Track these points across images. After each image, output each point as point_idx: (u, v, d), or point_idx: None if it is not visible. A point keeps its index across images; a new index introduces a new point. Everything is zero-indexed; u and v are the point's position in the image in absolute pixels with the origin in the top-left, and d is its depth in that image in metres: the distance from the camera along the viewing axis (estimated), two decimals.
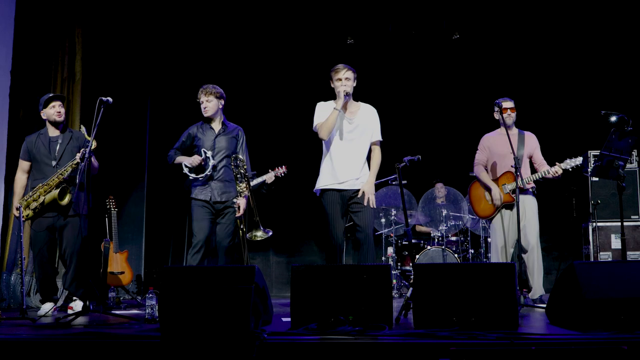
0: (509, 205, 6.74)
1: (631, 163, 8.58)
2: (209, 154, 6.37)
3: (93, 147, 5.96)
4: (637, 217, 8.53)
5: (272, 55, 10.06)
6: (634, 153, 8.59)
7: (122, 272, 7.93)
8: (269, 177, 7.66)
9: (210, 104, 6.46)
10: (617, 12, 9.37)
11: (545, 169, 6.63)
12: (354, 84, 5.97)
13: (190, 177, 6.37)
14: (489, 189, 6.87)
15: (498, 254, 6.76)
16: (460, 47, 10.03)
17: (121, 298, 7.99)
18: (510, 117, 6.77)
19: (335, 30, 9.86)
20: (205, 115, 6.48)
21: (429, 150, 9.23)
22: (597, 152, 7.66)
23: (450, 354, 3.76)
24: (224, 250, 6.42)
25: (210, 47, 9.85)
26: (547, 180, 6.73)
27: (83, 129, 6.22)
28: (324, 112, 5.94)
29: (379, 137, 6.07)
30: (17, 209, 6.36)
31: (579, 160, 6.47)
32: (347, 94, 5.82)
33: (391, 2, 9.41)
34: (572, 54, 9.83)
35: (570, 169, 6.50)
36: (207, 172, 6.34)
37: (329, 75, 5.99)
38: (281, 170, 7.74)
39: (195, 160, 6.33)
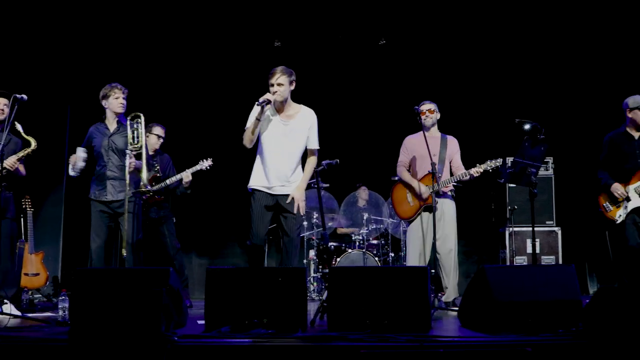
0: (427, 207, 6.84)
1: (547, 170, 8.81)
2: (81, 151, 6.39)
3: (33, 147, 5.92)
4: (552, 222, 8.76)
5: (198, 55, 9.97)
6: (550, 160, 8.82)
7: (37, 274, 7.76)
8: (185, 175, 7.39)
9: (125, 101, 6.50)
10: (533, 24, 9.61)
11: (463, 172, 6.73)
12: (291, 87, 5.82)
13: (71, 175, 6.39)
14: (411, 188, 6.94)
15: (415, 256, 6.83)
16: (385, 53, 10.13)
17: (36, 300, 7.81)
18: (428, 118, 6.86)
19: (262, 32, 9.84)
20: (120, 110, 6.49)
21: (352, 154, 9.32)
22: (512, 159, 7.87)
23: (360, 356, 3.80)
24: (131, 249, 6.31)
25: (134, 49, 9.69)
26: (465, 183, 6.85)
27: (19, 126, 6.12)
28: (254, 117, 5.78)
29: (315, 146, 5.93)
30: None
31: (499, 161, 6.59)
32: (264, 103, 5.64)
33: (319, 6, 9.43)
34: (491, 62, 10.03)
35: (490, 170, 6.62)
36: (78, 168, 6.35)
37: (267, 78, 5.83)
38: (206, 164, 7.47)
39: (71, 159, 6.37)
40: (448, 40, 9.96)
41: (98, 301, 4.08)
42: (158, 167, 7.49)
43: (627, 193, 6.47)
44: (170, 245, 7.54)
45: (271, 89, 5.74)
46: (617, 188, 6.48)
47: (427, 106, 6.92)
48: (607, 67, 9.58)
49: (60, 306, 5.27)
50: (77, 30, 9.27)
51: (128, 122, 6.37)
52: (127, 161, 6.25)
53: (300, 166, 5.96)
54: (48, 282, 8.18)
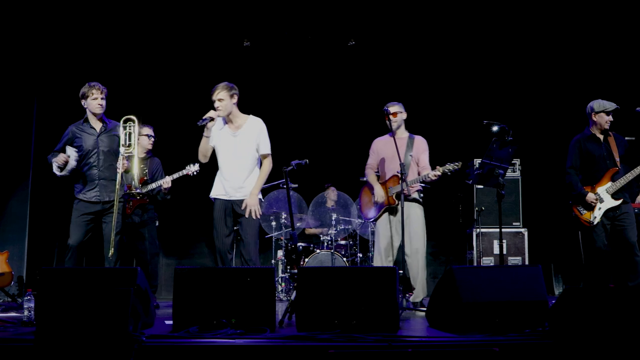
0: (393, 208, 6.87)
1: (514, 172, 8.89)
2: (72, 150, 6.34)
3: None
4: (518, 223, 8.85)
5: (167, 54, 9.91)
6: (517, 162, 8.90)
7: (2, 274, 7.65)
8: (165, 181, 7.26)
9: (104, 101, 6.48)
10: (500, 27, 9.69)
11: (426, 173, 6.76)
12: (233, 100, 6.14)
13: (58, 175, 6.35)
14: (373, 190, 7.01)
15: (381, 257, 6.88)
16: (355, 54, 10.15)
17: (0, 300, 7.70)
18: (393, 122, 6.88)
19: (231, 31, 9.81)
20: (98, 111, 6.47)
21: (321, 155, 9.32)
22: (480, 160, 7.93)
23: (329, 356, 3.80)
24: (113, 245, 6.32)
25: (104, 46, 9.59)
26: (433, 184, 6.88)
27: None
28: (212, 133, 6.21)
29: (265, 151, 6.20)
30: None
31: (457, 164, 6.62)
32: (206, 121, 6.03)
33: (289, 6, 9.43)
34: (460, 64, 10.10)
35: (448, 172, 6.63)
36: (70, 169, 6.32)
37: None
38: (193, 169, 7.28)
39: (60, 159, 6.31)
40: (417, 41, 10.00)
41: (64, 301, 4.03)
42: (146, 170, 7.43)
43: (599, 196, 6.56)
44: (149, 250, 7.45)
45: (214, 105, 6.11)
46: (591, 198, 6.58)
47: (392, 108, 6.93)
48: (571, 70, 9.70)
49: (25, 306, 5.20)
50: (47, 17, 9.10)
51: (121, 125, 6.39)
52: (120, 163, 6.30)
53: (255, 171, 6.23)
54: (13, 282, 8.07)
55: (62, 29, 9.27)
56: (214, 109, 6.09)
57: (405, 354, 3.85)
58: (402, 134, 7.01)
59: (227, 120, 6.23)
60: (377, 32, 9.97)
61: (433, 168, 6.77)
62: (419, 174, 6.91)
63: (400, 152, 6.60)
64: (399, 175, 6.49)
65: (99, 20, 9.29)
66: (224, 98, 6.08)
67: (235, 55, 9.95)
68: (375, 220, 7.07)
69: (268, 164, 6.21)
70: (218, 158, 6.26)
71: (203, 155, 6.27)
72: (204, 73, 9.54)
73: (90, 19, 9.25)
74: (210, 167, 6.52)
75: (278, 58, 10.17)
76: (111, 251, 6.28)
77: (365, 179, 7.25)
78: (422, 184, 6.98)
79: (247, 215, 6.03)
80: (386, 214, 6.99)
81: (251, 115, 6.29)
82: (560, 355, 4.02)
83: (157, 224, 7.71)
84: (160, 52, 9.84)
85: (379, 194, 6.94)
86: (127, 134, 6.36)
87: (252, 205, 6.05)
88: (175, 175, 7.27)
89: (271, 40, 10.01)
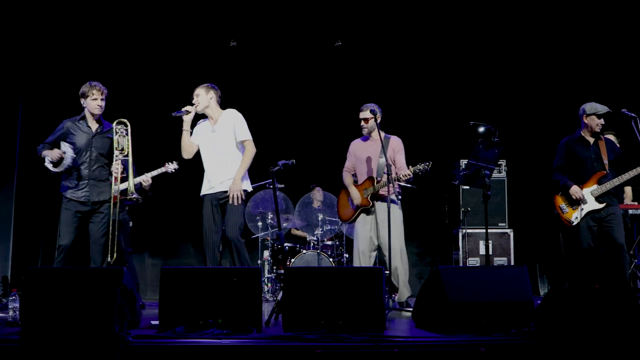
0: (367, 209, 6.91)
1: (500, 173, 8.92)
2: (68, 147, 6.30)
3: None
4: (504, 224, 8.88)
5: (152, 53, 9.88)
6: (503, 163, 8.93)
7: None
8: (145, 179, 7.25)
9: (103, 102, 6.45)
10: (487, 28, 9.73)
11: (400, 173, 6.77)
12: (210, 96, 6.36)
13: (52, 171, 6.30)
14: (348, 193, 7.09)
15: (359, 257, 6.90)
16: (342, 54, 10.15)
17: None
18: (364, 128, 7.03)
19: (218, 31, 9.79)
20: (97, 112, 6.43)
21: (308, 155, 9.32)
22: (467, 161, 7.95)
23: (316, 356, 3.80)
24: (101, 249, 6.32)
25: (90, 45, 9.55)
26: (418, 185, 6.88)
27: None
28: (196, 132, 6.47)
29: (244, 137, 6.31)
30: None
31: (428, 165, 6.62)
32: (182, 113, 6.29)
33: (276, 7, 9.42)
34: (447, 65, 10.13)
35: (419, 173, 6.64)
36: (65, 166, 6.27)
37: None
38: (172, 167, 7.35)
39: (54, 154, 6.26)
40: (405, 42, 10.02)
41: (50, 301, 4.01)
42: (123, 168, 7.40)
43: (583, 197, 6.57)
44: (124, 249, 7.44)
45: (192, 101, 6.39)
46: (575, 191, 6.57)
47: (362, 114, 7.00)
48: (558, 71, 9.75)
49: (10, 306, 5.17)
50: (34, 16, 9.03)
51: (114, 127, 6.37)
52: (115, 166, 6.29)
53: (236, 161, 6.29)
54: None
55: (48, 28, 9.22)
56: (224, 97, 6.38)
57: (392, 354, 3.86)
58: (376, 136, 6.98)
59: (207, 117, 6.43)
60: (364, 32, 9.98)
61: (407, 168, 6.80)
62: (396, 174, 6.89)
63: (374, 155, 6.69)
64: (374, 177, 6.68)
65: (85, 19, 9.25)
66: (200, 93, 6.35)
67: (221, 56, 9.93)
68: (352, 221, 7.11)
69: (250, 147, 6.29)
70: (202, 154, 6.42)
71: (185, 150, 6.41)
72: (190, 73, 9.52)
73: (76, 17, 9.20)
74: (195, 167, 6.51)
75: (265, 58, 10.16)
76: (110, 258, 6.26)
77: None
78: (406, 185, 7.00)
79: (230, 202, 6.10)
80: (363, 215, 7.02)
81: (228, 108, 6.44)
82: (546, 355, 4.04)
83: (130, 224, 7.70)
84: (146, 51, 9.81)
85: (355, 195, 7.01)
86: (120, 137, 6.34)
87: (235, 190, 6.11)
88: (154, 173, 7.27)
89: (258, 40, 10.00)
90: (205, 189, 6.34)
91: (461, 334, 4.49)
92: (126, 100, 9.17)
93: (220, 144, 6.30)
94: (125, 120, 6.37)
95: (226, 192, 6.15)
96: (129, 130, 6.38)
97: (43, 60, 9.31)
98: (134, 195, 6.27)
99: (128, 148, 6.32)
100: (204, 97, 6.33)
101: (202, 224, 6.27)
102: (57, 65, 9.33)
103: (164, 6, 9.31)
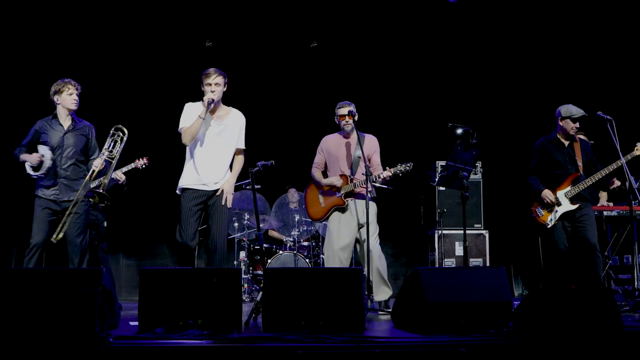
0: (341, 208, 6.88)
1: (476, 174, 8.97)
2: (46, 149, 6.24)
3: None
4: (479, 225, 8.93)
5: (129, 53, 9.83)
6: (479, 164, 8.99)
7: None
8: (120, 175, 7.15)
9: (77, 98, 6.38)
10: (463, 30, 9.80)
11: (377, 173, 6.75)
12: (224, 89, 5.99)
13: (32, 176, 6.23)
14: (322, 187, 7.00)
15: (332, 257, 6.80)
16: (317, 55, 10.16)
17: None
18: (348, 124, 6.87)
19: (193, 32, 9.76)
20: (73, 107, 6.36)
21: (283, 156, 9.28)
22: (444, 163, 7.98)
23: (297, 357, 3.80)
24: (79, 250, 6.24)
25: (61, 44, 9.47)
26: (395, 185, 6.89)
27: None
28: (190, 115, 5.92)
29: (242, 146, 6.12)
30: None
31: (409, 165, 6.62)
32: (210, 102, 5.80)
33: (250, 7, 9.41)
34: (424, 67, 10.19)
35: (400, 174, 6.63)
36: (45, 168, 6.20)
37: (199, 78, 5.95)
38: (141, 162, 7.28)
39: (34, 159, 6.19)
40: (381, 44, 10.06)
41: (28, 302, 3.97)
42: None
43: (557, 199, 6.63)
44: (99, 248, 7.39)
45: (208, 88, 5.89)
46: (547, 195, 6.64)
47: (344, 110, 6.89)
48: (534, 74, 9.83)
49: None
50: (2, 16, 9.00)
51: (111, 132, 6.32)
52: (99, 161, 6.24)
53: (230, 166, 6.11)
54: None
55: (17, 27, 9.15)
56: (200, 96, 5.96)
57: (373, 355, 3.87)
58: (354, 132, 6.92)
59: (205, 104, 5.94)
60: (340, 33, 10.01)
61: (384, 168, 6.77)
62: (371, 174, 6.84)
63: (349, 152, 6.65)
64: (348, 174, 6.64)
65: (55, 18, 9.20)
66: (220, 83, 5.91)
67: (197, 56, 9.88)
68: (323, 220, 7.06)
69: (242, 159, 6.16)
70: (197, 146, 5.96)
71: (192, 138, 5.86)
72: (165, 72, 9.50)
73: (46, 15, 9.14)
74: (168, 167, 6.43)
75: (240, 59, 10.14)
76: (55, 237, 6.18)
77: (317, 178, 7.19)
78: (381, 186, 6.99)
79: (223, 202, 5.90)
80: (336, 213, 6.91)
81: (232, 108, 6.18)
82: (524, 355, 4.07)
83: (105, 224, 7.64)
84: (120, 51, 9.77)
85: (335, 181, 6.87)
86: (114, 141, 6.31)
87: (229, 192, 5.94)
88: (125, 169, 7.22)
89: (233, 41, 9.98)
90: (192, 183, 5.91)
91: (440, 334, 4.51)
92: (97, 98, 9.12)
93: (225, 142, 6.01)
94: (124, 129, 6.32)
95: (215, 191, 5.92)
96: (125, 139, 6.33)
97: (13, 58, 9.21)
98: (103, 192, 6.15)
99: (117, 155, 6.27)
100: (222, 89, 5.95)
101: (180, 217, 5.89)
102: (28, 64, 9.24)
103: (139, 6, 9.26)
